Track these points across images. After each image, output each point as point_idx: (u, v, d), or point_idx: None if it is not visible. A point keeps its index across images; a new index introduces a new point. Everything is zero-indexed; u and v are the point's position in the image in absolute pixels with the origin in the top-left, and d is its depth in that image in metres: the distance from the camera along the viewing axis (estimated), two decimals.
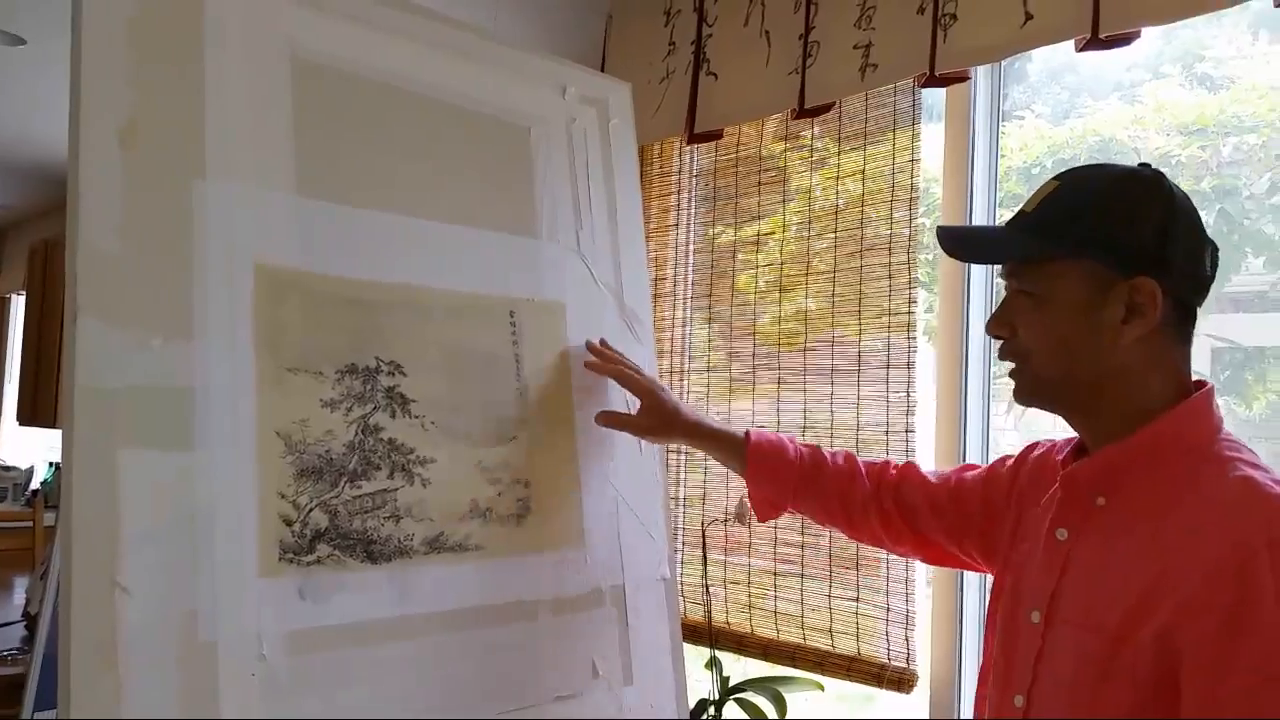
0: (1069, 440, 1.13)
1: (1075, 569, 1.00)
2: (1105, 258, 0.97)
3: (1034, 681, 1.01)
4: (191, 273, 0.99)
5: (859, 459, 1.32)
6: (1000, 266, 1.07)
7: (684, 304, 2.51)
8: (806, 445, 1.34)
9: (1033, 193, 1.06)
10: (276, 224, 1.06)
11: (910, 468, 1.31)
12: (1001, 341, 1.05)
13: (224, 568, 0.95)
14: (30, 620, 2.92)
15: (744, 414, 2.34)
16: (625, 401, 1.34)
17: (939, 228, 1.11)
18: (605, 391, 1.33)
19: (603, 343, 1.34)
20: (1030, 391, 1.05)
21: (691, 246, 2.50)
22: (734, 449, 1.31)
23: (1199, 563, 0.88)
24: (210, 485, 0.96)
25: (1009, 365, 1.06)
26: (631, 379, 1.31)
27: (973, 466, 1.29)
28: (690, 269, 2.50)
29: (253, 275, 1.03)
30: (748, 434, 1.32)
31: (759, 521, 1.39)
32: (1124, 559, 0.95)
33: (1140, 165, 1.04)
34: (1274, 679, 0.83)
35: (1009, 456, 1.22)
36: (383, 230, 1.14)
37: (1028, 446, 1.21)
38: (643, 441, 1.37)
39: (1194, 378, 1.02)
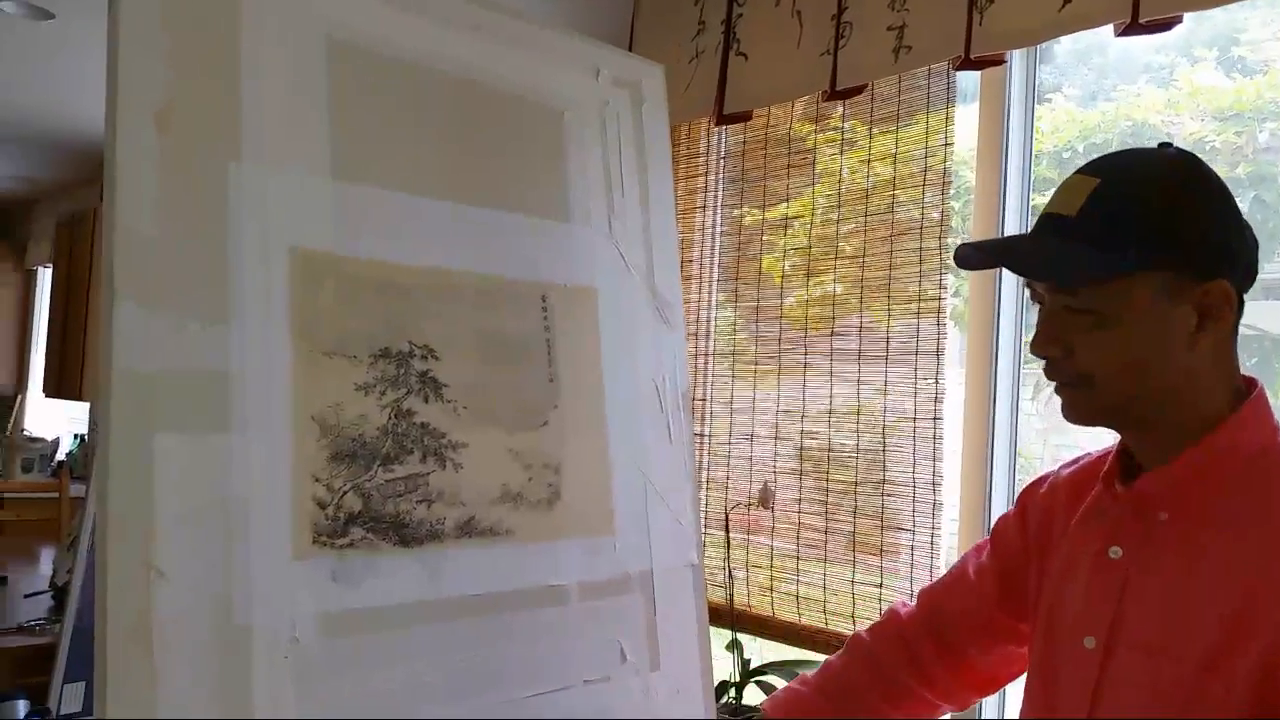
0: (1079, 459, 1.09)
1: (1138, 590, 0.94)
2: (1178, 264, 0.89)
3: (1092, 711, 0.94)
4: (227, 256, 0.99)
5: (862, 635, 1.24)
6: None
7: (709, 286, 2.50)
8: (816, 676, 1.25)
9: (1062, 187, 0.97)
10: (311, 207, 1.06)
11: (927, 599, 1.22)
12: (1048, 362, 0.97)
13: (258, 551, 0.95)
14: (57, 591, 2.96)
15: (769, 398, 2.34)
16: (656, 391, 1.34)
17: (960, 246, 1.01)
18: (636, 381, 1.33)
19: None
20: (1091, 415, 0.97)
21: (719, 229, 2.49)
22: None
23: None
24: (245, 469, 0.96)
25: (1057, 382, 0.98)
26: None
27: (979, 548, 1.21)
28: (717, 251, 2.49)
29: (288, 259, 1.03)
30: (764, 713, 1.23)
31: None
32: (1201, 579, 0.89)
33: (1161, 145, 0.96)
34: None
35: (1007, 513, 1.16)
36: (416, 213, 1.14)
37: (1023, 493, 1.14)
38: (672, 429, 1.36)
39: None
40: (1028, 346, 1.06)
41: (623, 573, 1.25)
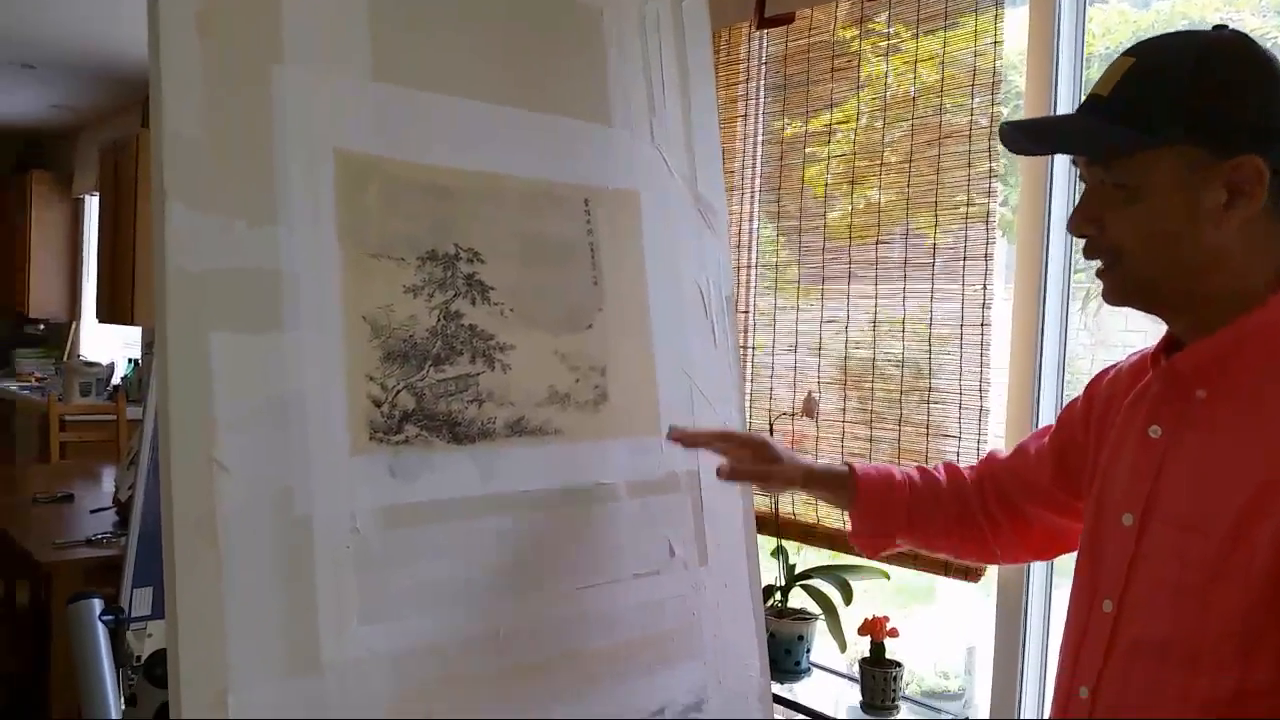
0: (1144, 350, 1.09)
1: (1174, 467, 0.95)
2: (1204, 139, 0.89)
3: (1127, 586, 0.96)
4: (272, 159, 1.00)
5: (955, 464, 1.27)
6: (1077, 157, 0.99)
7: (751, 197, 2.47)
8: (915, 469, 1.27)
9: (1104, 71, 0.97)
10: (354, 109, 1.06)
11: (990, 457, 1.26)
12: (1087, 241, 0.97)
13: (317, 446, 0.98)
14: (121, 507, 3.06)
15: (812, 308, 2.33)
16: (700, 296, 1.35)
17: (1003, 124, 1.02)
18: (680, 285, 1.33)
19: (672, 428, 1.26)
20: (1125, 292, 0.97)
21: (760, 137, 2.45)
22: (839, 481, 1.24)
23: None
24: (300, 367, 0.98)
25: (1096, 264, 0.99)
26: (733, 436, 1.26)
27: (1042, 431, 1.23)
28: (759, 160, 2.46)
29: (333, 161, 1.04)
30: (851, 466, 1.25)
31: (866, 556, 1.33)
32: (1232, 454, 0.90)
33: (1216, 27, 0.95)
34: None
35: (1074, 400, 1.17)
36: (457, 116, 1.14)
37: (1090, 382, 1.15)
38: (716, 333, 1.37)
39: None
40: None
41: (670, 473, 1.27)
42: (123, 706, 1.30)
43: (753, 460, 1.22)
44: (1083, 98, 0.97)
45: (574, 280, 1.22)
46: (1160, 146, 0.91)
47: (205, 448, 0.92)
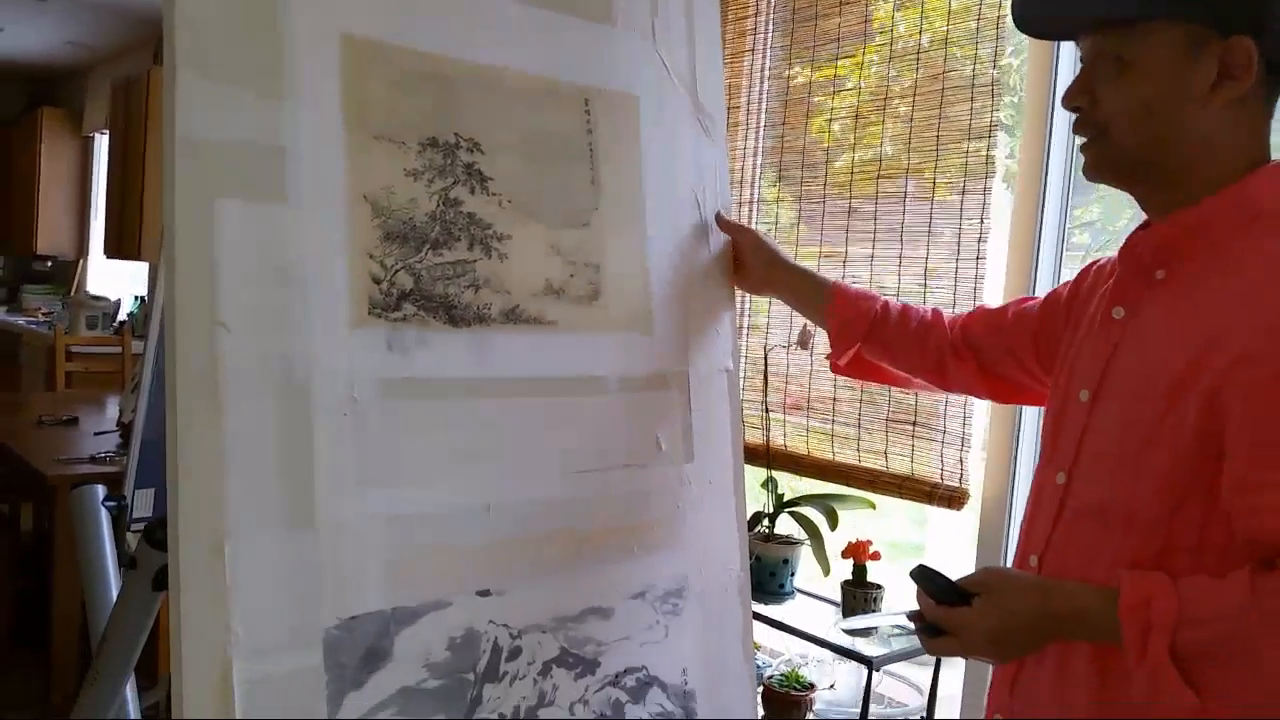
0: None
1: (1129, 344, 1.00)
2: (1203, 16, 0.92)
3: (1076, 458, 1.02)
4: (280, 37, 1.02)
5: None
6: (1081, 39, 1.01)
7: (755, 133, 2.49)
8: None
9: None
10: None
11: (977, 310, 1.33)
12: (1078, 116, 1.02)
13: (317, 316, 1.01)
14: (124, 429, 3.12)
15: (812, 240, 2.35)
16: (696, 203, 1.37)
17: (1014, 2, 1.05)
18: (676, 190, 1.36)
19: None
20: (1106, 164, 1.01)
21: (767, 72, 2.47)
22: (820, 289, 1.38)
23: (1257, 318, 0.87)
24: (302, 240, 1.01)
25: (1083, 142, 1.02)
26: (735, 224, 1.39)
27: (1027, 299, 1.29)
28: (765, 96, 2.48)
29: (338, 43, 1.06)
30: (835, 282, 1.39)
31: (832, 371, 1.43)
32: (1176, 328, 0.94)
33: None
34: None
35: (1065, 283, 1.22)
36: (463, 7, 1.16)
37: (1084, 268, 1.19)
38: (711, 241, 1.39)
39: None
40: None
41: (659, 371, 1.30)
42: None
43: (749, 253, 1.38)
44: None
45: (572, 178, 1.25)
46: (1160, 18, 0.94)
47: (209, 309, 0.95)
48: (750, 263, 1.39)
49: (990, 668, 1.13)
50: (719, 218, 1.38)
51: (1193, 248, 0.96)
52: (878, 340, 1.33)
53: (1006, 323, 1.25)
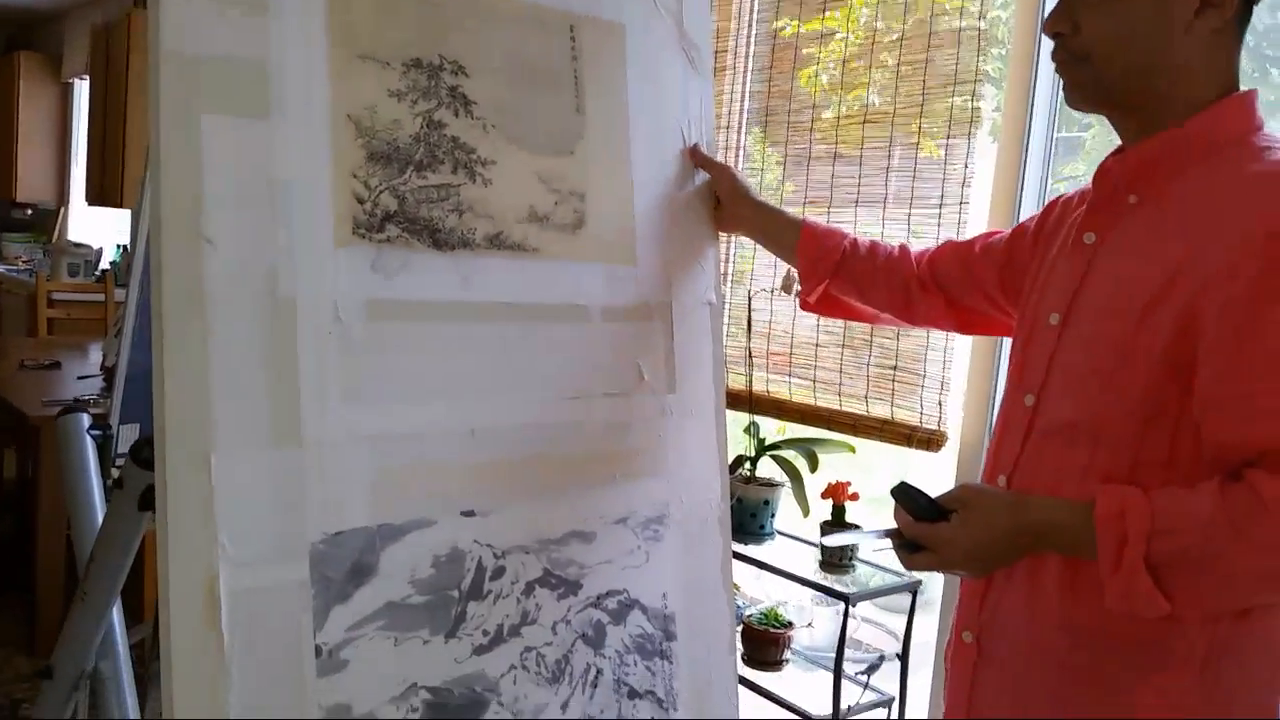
0: None
1: (1100, 266, 1.01)
2: None
3: (1045, 380, 1.03)
4: None
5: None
6: None
7: (742, 77, 2.48)
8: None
9: None
10: None
11: (944, 243, 1.34)
12: (1058, 42, 1.02)
13: (301, 233, 1.01)
14: (108, 372, 3.11)
15: (798, 189, 2.36)
16: (681, 136, 1.38)
17: None
18: (662, 123, 1.36)
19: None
20: (1086, 91, 1.02)
21: (756, 16, 2.46)
22: (790, 227, 1.38)
23: (1226, 239, 0.89)
24: (287, 156, 1.01)
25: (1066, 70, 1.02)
26: (710, 160, 1.38)
27: (995, 232, 1.30)
28: (753, 41, 2.47)
29: None
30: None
31: (802, 309, 1.44)
32: (1150, 250, 0.96)
33: None
34: None
35: (1032, 216, 1.23)
36: None
37: (1052, 200, 1.20)
38: (696, 176, 1.40)
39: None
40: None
41: (643, 301, 1.31)
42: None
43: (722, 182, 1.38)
44: None
45: (557, 105, 1.25)
46: None
47: (194, 223, 0.95)
48: (722, 199, 1.39)
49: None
50: (695, 152, 1.38)
51: (1165, 172, 0.98)
52: (846, 276, 1.34)
53: (973, 256, 1.26)
